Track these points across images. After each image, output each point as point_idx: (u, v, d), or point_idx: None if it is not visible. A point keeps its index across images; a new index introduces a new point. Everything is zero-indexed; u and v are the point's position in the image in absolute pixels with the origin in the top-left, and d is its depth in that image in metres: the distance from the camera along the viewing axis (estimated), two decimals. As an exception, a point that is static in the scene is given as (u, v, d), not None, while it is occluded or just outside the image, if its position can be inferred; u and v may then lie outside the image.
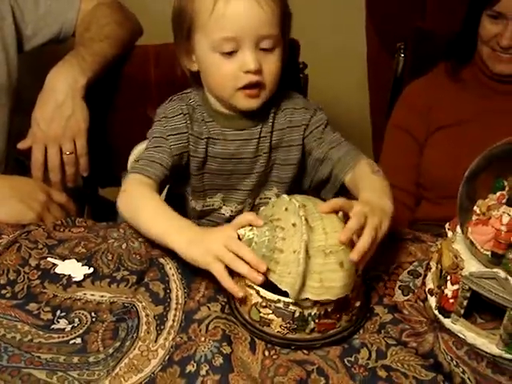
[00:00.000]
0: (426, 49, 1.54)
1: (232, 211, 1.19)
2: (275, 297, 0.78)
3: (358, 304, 0.82)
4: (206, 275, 0.87)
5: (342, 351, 0.79)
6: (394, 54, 1.59)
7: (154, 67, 1.43)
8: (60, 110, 1.20)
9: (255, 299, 0.80)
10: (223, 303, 0.86)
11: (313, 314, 0.77)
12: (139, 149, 1.32)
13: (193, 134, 1.10)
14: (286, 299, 0.78)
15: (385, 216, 0.90)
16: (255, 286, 0.80)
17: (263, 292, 0.79)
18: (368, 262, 0.85)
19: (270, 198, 1.18)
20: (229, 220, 1.15)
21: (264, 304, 0.79)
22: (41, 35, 1.36)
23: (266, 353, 0.79)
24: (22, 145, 1.22)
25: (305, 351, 0.79)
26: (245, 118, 1.11)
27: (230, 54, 1.01)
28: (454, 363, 0.78)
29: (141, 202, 0.98)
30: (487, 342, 0.80)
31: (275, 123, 1.13)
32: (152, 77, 1.43)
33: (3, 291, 0.90)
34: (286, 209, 0.81)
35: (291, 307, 0.77)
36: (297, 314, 0.78)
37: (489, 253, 0.79)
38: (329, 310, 0.78)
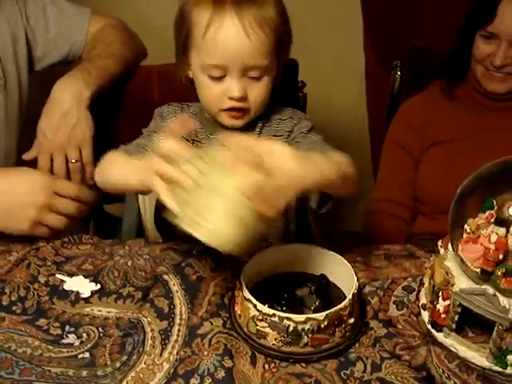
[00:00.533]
0: (422, 67, 1.56)
1: None
2: (271, 311, 0.82)
3: (351, 321, 0.85)
4: (209, 292, 0.91)
5: (338, 364, 0.83)
6: (391, 71, 1.62)
7: (157, 86, 1.46)
8: (65, 119, 1.23)
9: (252, 312, 0.84)
10: (225, 318, 0.90)
11: (306, 328, 0.81)
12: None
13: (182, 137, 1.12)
14: (281, 314, 0.81)
15: (313, 170, 0.87)
16: (253, 300, 0.84)
17: (260, 306, 0.83)
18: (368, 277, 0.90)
19: None
20: None
21: (260, 317, 0.83)
22: (50, 57, 1.40)
23: (266, 366, 0.82)
24: (27, 156, 1.25)
25: (303, 364, 0.82)
26: (230, 129, 1.14)
27: (219, 78, 1.06)
28: (446, 375, 0.81)
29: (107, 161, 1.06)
30: (477, 356, 0.83)
31: (262, 134, 1.17)
32: (155, 95, 1.47)
33: (14, 307, 0.94)
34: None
35: (285, 321, 0.81)
36: (291, 329, 0.81)
37: (478, 270, 0.83)
38: (322, 325, 0.81)
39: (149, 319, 0.90)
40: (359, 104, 2.09)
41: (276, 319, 0.82)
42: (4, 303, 0.94)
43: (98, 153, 1.34)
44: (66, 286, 0.98)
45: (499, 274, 0.81)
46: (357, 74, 2.07)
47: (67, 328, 0.90)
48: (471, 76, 1.37)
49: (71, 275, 1.00)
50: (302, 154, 0.87)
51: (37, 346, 0.87)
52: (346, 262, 0.91)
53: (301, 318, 0.81)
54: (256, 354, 0.84)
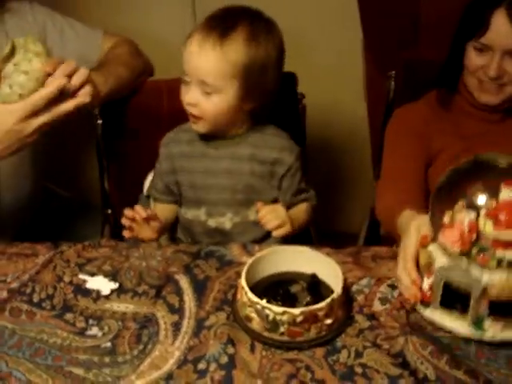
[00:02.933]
0: (416, 78, 1.60)
1: (217, 223, 1.37)
2: (255, 299, 0.94)
3: (328, 321, 0.95)
4: (214, 289, 1.05)
5: (326, 352, 0.95)
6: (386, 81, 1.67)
7: (167, 100, 1.57)
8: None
9: (244, 298, 0.97)
10: (228, 312, 1.02)
11: (283, 319, 0.93)
12: (152, 174, 1.49)
13: (176, 156, 1.36)
14: (263, 303, 0.94)
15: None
16: (245, 288, 0.96)
17: (249, 293, 0.95)
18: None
19: (249, 217, 1.36)
20: (216, 230, 1.36)
21: (249, 304, 0.96)
22: None
23: (264, 353, 0.94)
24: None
25: (295, 352, 0.94)
26: (221, 140, 1.33)
27: (187, 84, 1.25)
28: (420, 361, 0.93)
29: None
30: (460, 325, 0.96)
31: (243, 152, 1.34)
32: (165, 109, 1.58)
33: (44, 304, 1.06)
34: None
35: (266, 310, 0.93)
36: (270, 317, 0.93)
37: (458, 250, 0.94)
38: (297, 320, 0.92)
39: (162, 313, 1.02)
40: (359, 114, 2.11)
41: (259, 307, 0.94)
42: (35, 300, 1.06)
43: (114, 167, 1.47)
44: (88, 285, 1.10)
45: (474, 252, 0.93)
46: (356, 84, 2.09)
47: (91, 321, 1.02)
48: (462, 87, 1.37)
49: (92, 275, 1.12)
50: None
51: (65, 337, 0.99)
52: (335, 263, 1.03)
53: (279, 309, 0.92)
54: (255, 342, 0.96)
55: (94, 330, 1.01)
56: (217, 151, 1.33)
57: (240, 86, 1.24)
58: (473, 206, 0.94)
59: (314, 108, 1.64)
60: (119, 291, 1.09)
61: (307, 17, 2.08)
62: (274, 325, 0.94)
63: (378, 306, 1.04)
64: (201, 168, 1.34)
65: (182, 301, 1.05)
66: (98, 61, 1.50)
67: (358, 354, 0.94)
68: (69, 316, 1.04)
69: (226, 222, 1.36)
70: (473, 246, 0.94)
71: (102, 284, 1.10)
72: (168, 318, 1.01)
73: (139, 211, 1.24)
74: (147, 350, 0.96)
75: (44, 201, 1.64)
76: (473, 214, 0.93)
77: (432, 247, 1.00)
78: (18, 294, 1.08)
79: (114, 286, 1.10)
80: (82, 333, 1.00)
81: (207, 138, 1.33)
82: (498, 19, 1.24)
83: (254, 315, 0.96)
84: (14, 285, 1.10)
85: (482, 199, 0.94)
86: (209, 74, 1.22)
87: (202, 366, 0.93)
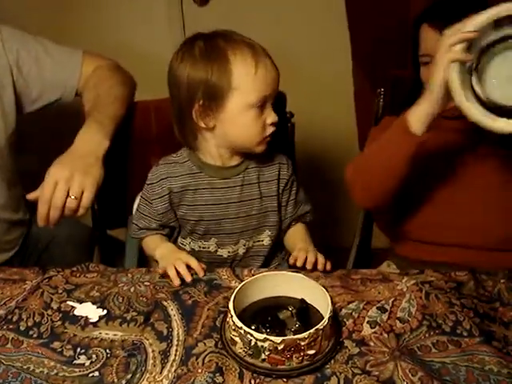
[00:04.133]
0: (404, 95, 1.54)
1: (229, 252, 1.35)
2: (239, 323, 0.94)
3: (311, 352, 0.94)
4: (203, 316, 1.05)
5: (315, 379, 0.94)
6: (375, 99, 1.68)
7: (155, 121, 1.56)
8: (82, 159, 1.27)
9: (230, 322, 0.96)
10: (217, 339, 1.01)
11: (264, 346, 0.92)
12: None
13: (174, 191, 1.30)
14: (246, 328, 0.93)
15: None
16: (231, 311, 0.96)
17: (234, 317, 0.95)
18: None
19: (262, 241, 1.35)
20: (226, 260, 1.32)
21: (233, 327, 0.95)
22: (44, 99, 1.48)
23: (253, 381, 0.94)
24: (31, 196, 1.25)
25: (284, 379, 0.94)
26: (230, 168, 1.30)
27: (260, 109, 1.23)
28: (410, 388, 0.93)
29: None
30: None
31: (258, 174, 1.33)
32: (153, 129, 1.57)
33: (31, 332, 1.05)
34: None
35: (248, 336, 0.92)
36: (252, 343, 0.93)
37: None
38: (279, 348, 0.92)
39: (150, 341, 1.02)
40: (348, 131, 2.16)
41: (242, 332, 0.93)
42: (22, 328, 1.05)
43: (104, 189, 1.46)
44: (76, 312, 1.09)
45: None
46: (345, 101, 2.13)
47: (78, 350, 1.01)
48: None
49: (80, 302, 1.11)
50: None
51: (52, 366, 0.98)
52: (324, 290, 1.02)
53: (260, 336, 0.92)
54: (244, 370, 0.95)
55: (82, 359, 1.00)
56: (226, 181, 1.30)
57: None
58: None
59: (302, 126, 1.65)
60: (107, 318, 1.08)
61: (296, 36, 2.10)
62: (256, 351, 0.93)
63: (367, 330, 1.04)
64: (209, 201, 1.30)
65: (170, 328, 1.04)
66: (77, 84, 1.50)
67: (348, 382, 0.94)
68: (56, 344, 1.03)
69: (240, 249, 1.35)
70: None
71: (90, 311, 1.10)
72: (156, 346, 1.01)
73: (187, 277, 1.17)
74: (135, 379, 0.95)
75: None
76: None
77: None
78: (4, 321, 1.07)
79: (102, 312, 1.09)
80: (69, 362, 0.99)
81: (212, 168, 1.30)
82: (425, 32, 1.29)
83: (237, 339, 0.95)
84: (1, 312, 1.09)
85: None
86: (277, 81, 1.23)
87: (190, 395, 0.92)
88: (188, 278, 1.15)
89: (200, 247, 1.35)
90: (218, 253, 1.34)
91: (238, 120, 1.22)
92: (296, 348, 0.92)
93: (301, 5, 2.07)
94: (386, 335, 1.03)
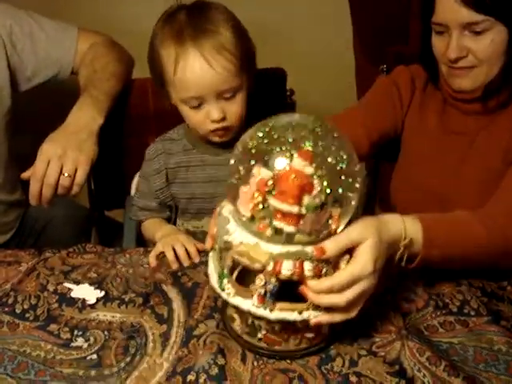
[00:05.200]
0: None
1: None
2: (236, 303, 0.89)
3: (310, 335, 0.91)
4: (203, 296, 1.02)
5: (319, 360, 0.91)
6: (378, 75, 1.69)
7: (153, 99, 1.52)
8: (75, 135, 1.25)
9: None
10: (218, 320, 0.99)
11: (262, 325, 0.89)
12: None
13: (170, 167, 1.29)
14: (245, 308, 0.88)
15: None
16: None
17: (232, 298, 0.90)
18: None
19: None
20: None
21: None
22: (40, 77, 1.44)
23: (255, 363, 0.91)
24: (25, 174, 1.24)
25: (288, 361, 0.91)
26: (218, 145, 1.27)
27: (198, 106, 1.17)
28: (417, 368, 0.90)
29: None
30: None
31: None
32: (151, 108, 1.54)
33: (27, 315, 1.02)
34: None
35: (246, 315, 0.89)
36: (249, 322, 0.90)
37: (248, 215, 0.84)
38: (276, 328, 0.89)
39: (150, 324, 0.99)
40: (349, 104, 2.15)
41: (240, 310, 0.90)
42: (17, 311, 1.03)
43: (101, 168, 1.44)
44: (74, 294, 1.06)
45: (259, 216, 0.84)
46: (347, 78, 2.10)
47: (76, 332, 0.98)
48: (442, 79, 1.27)
49: (78, 283, 1.08)
50: None
51: (49, 349, 0.95)
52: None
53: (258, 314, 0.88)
54: (246, 352, 0.93)
55: (80, 342, 0.97)
56: (218, 158, 1.28)
57: (244, 72, 1.19)
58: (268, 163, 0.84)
59: (303, 104, 1.60)
60: (105, 300, 1.05)
61: (297, 12, 2.06)
62: (252, 329, 0.91)
63: (373, 309, 1.01)
64: (200, 178, 1.29)
65: (170, 310, 1.01)
66: (73, 61, 1.46)
67: (353, 363, 0.91)
68: (53, 327, 1.00)
69: None
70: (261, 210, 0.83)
71: (87, 292, 1.07)
72: (156, 329, 0.98)
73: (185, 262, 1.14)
74: (135, 362, 0.93)
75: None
76: (267, 174, 0.82)
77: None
78: (-1, 304, 1.04)
79: (100, 294, 1.06)
80: (66, 344, 0.97)
81: (204, 145, 1.28)
82: None
83: (236, 316, 0.93)
84: (-5, 295, 1.06)
85: (281, 162, 0.82)
86: (224, 79, 1.16)
87: (191, 377, 0.89)
88: (186, 263, 1.12)
89: (193, 227, 1.33)
90: None
91: (179, 108, 1.23)
92: (293, 329, 0.89)
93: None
94: (392, 314, 1.00)
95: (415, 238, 0.94)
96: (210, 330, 0.97)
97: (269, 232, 0.83)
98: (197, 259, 1.13)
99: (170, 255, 1.12)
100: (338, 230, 0.85)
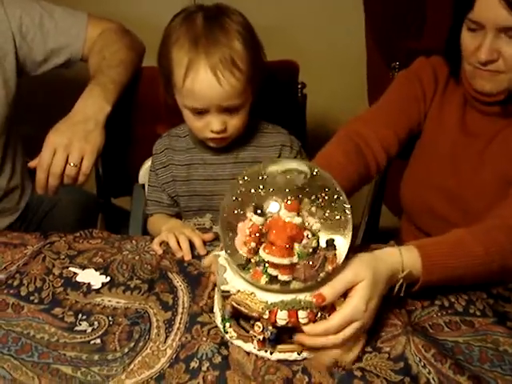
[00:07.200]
0: None
1: None
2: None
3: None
4: (209, 285, 1.02)
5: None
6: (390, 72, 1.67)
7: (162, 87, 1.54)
8: (82, 125, 1.24)
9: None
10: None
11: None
12: (148, 164, 1.45)
13: (174, 164, 1.31)
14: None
15: None
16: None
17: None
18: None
19: None
20: None
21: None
22: (50, 63, 1.44)
23: (258, 355, 0.90)
24: (31, 164, 1.25)
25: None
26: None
27: (200, 113, 1.18)
28: (422, 364, 0.89)
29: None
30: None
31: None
32: (160, 96, 1.54)
33: (31, 297, 1.02)
34: None
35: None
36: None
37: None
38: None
39: (154, 311, 0.98)
40: (361, 104, 2.09)
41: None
42: (22, 293, 1.03)
43: (109, 156, 1.43)
44: (79, 278, 1.06)
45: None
46: (358, 73, 2.09)
47: (80, 316, 0.98)
48: (463, 77, 1.22)
49: (83, 268, 1.08)
50: None
51: (53, 332, 0.95)
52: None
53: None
54: (250, 344, 0.92)
55: (84, 326, 0.97)
56: (218, 157, 1.29)
57: (249, 85, 1.20)
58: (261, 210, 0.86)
59: (315, 98, 1.60)
60: (110, 285, 1.05)
61: (309, 5, 2.04)
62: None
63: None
64: (201, 176, 1.30)
65: (175, 297, 1.01)
66: (82, 48, 1.45)
67: (358, 359, 0.90)
68: (57, 310, 1.00)
69: None
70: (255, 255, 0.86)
71: (92, 277, 1.07)
72: (161, 316, 0.98)
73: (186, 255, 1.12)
74: (138, 347, 0.93)
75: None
76: (259, 220, 0.85)
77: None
78: (4, 286, 1.04)
79: (106, 279, 1.06)
80: (70, 328, 0.97)
81: (203, 144, 1.29)
82: None
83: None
84: (1, 276, 1.06)
85: (274, 206, 0.85)
86: (228, 98, 1.17)
87: (194, 364, 0.89)
88: (187, 257, 1.11)
89: (195, 224, 1.33)
90: (214, 229, 1.32)
91: (182, 109, 1.24)
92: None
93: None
94: (397, 310, 0.99)
95: (414, 267, 0.95)
96: (214, 324, 0.96)
97: (264, 279, 0.85)
98: (202, 251, 1.12)
99: (172, 243, 1.12)
100: (339, 262, 0.86)
